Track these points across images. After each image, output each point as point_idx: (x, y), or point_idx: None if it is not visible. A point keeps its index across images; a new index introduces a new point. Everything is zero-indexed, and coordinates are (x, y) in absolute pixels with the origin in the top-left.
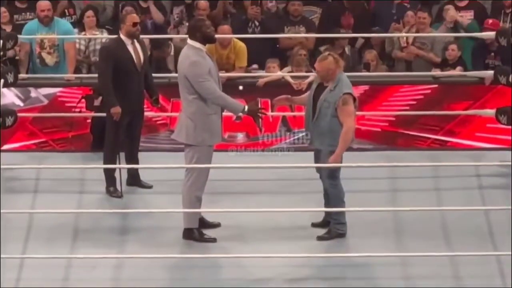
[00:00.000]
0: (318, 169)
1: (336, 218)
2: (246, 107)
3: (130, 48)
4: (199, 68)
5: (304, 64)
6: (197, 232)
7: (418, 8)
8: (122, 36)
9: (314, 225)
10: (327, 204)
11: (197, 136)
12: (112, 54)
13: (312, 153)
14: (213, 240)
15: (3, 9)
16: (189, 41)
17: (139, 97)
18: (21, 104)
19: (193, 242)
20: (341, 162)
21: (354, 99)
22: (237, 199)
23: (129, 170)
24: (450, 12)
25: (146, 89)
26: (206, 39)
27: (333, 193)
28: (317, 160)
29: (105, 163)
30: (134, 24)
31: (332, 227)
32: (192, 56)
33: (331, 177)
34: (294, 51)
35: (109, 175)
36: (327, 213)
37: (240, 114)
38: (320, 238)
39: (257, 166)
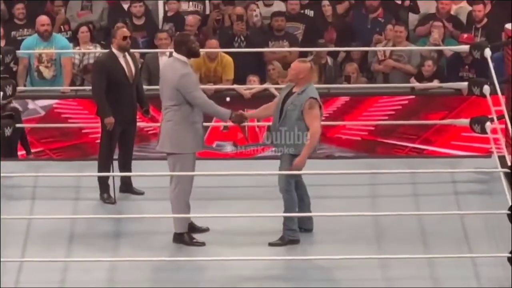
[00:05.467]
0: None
1: (287, 225)
2: (233, 114)
3: (122, 61)
4: (190, 79)
5: (275, 76)
6: (187, 236)
7: (394, 22)
8: (114, 50)
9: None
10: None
11: (181, 144)
12: (105, 67)
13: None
14: (202, 244)
15: None
16: (175, 54)
17: (131, 107)
18: None
19: (183, 246)
20: (304, 167)
21: (320, 106)
22: (224, 205)
23: (122, 177)
24: (434, 35)
25: (137, 100)
26: (191, 54)
27: (287, 200)
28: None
29: (99, 171)
30: (124, 38)
31: (284, 233)
32: (181, 69)
33: (286, 182)
34: (268, 67)
35: (103, 183)
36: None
37: (228, 120)
38: (272, 244)
39: (243, 174)
